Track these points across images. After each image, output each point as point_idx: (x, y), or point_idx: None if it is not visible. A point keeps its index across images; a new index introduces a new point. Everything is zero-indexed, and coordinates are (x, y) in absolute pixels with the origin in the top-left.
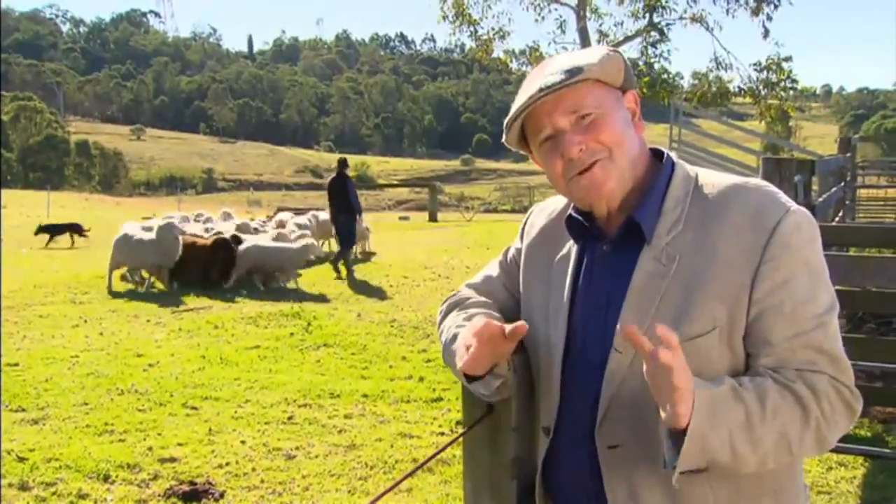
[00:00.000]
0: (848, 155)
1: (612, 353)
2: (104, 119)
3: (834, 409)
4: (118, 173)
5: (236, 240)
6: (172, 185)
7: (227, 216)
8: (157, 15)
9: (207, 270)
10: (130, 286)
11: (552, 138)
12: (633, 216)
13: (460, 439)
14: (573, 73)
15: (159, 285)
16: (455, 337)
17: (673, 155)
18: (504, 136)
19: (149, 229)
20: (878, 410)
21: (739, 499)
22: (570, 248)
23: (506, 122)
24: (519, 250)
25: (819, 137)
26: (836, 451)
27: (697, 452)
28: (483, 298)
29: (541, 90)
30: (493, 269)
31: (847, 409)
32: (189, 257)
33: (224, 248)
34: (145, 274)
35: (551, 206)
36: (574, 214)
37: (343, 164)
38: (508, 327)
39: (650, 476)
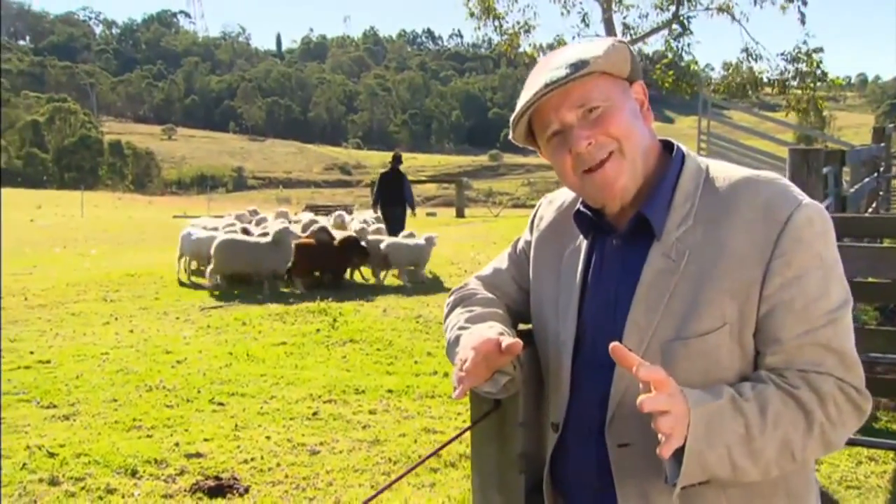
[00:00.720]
0: (882, 145)
1: None
2: (136, 119)
3: (841, 411)
4: (150, 172)
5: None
6: (203, 183)
7: (281, 214)
8: (187, 15)
9: (338, 270)
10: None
11: (560, 133)
12: (642, 211)
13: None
14: (579, 66)
15: (200, 280)
16: (458, 339)
17: (683, 147)
18: (511, 133)
19: (213, 229)
20: None
21: (752, 499)
22: (580, 242)
23: (512, 118)
24: (528, 242)
25: (855, 127)
26: (866, 445)
27: (696, 470)
28: (489, 294)
29: (546, 85)
30: (502, 261)
31: (855, 409)
32: (319, 258)
33: (356, 247)
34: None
35: (560, 197)
36: (582, 209)
37: (398, 159)
38: (504, 342)
39: (661, 476)
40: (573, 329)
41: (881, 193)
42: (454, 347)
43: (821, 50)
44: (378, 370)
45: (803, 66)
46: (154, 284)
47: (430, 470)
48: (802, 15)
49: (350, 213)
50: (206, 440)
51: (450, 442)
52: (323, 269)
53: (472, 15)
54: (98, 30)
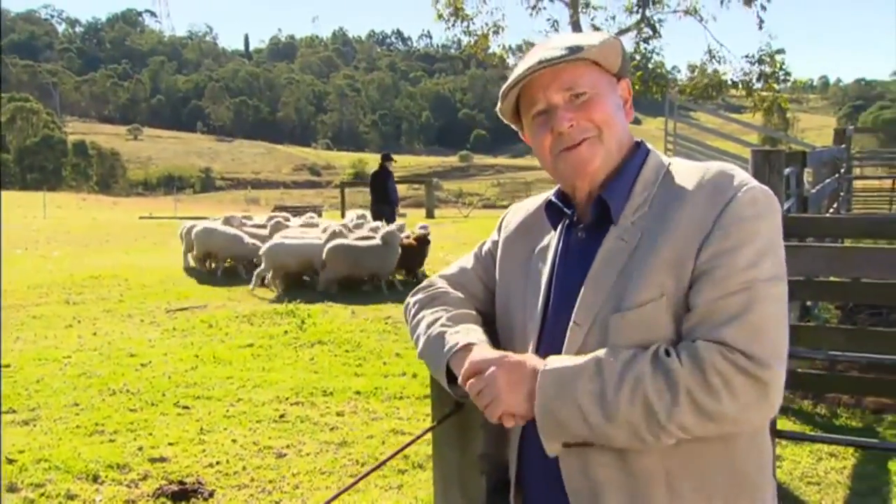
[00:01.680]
0: (843, 146)
1: (570, 327)
2: (101, 119)
3: (727, 382)
4: (115, 173)
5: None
6: (170, 184)
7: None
8: (153, 14)
9: (412, 268)
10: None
11: (545, 113)
12: (602, 196)
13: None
14: (574, 50)
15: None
16: (442, 336)
17: (650, 145)
18: (499, 105)
19: (227, 223)
20: (869, 401)
21: (690, 473)
22: (550, 240)
23: (502, 90)
24: (495, 243)
25: (817, 129)
26: (826, 441)
27: (551, 425)
28: (459, 294)
29: (541, 62)
30: (467, 260)
31: (750, 380)
32: (410, 257)
33: (426, 244)
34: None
35: (529, 203)
36: (554, 200)
37: (385, 157)
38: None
39: (604, 461)
40: (539, 319)
41: (842, 194)
42: (437, 343)
43: (783, 51)
44: (346, 372)
45: (766, 68)
46: (119, 287)
47: (398, 471)
48: (761, 20)
49: (320, 214)
50: (170, 444)
51: (410, 443)
52: (408, 268)
53: (440, 17)
54: (61, 28)
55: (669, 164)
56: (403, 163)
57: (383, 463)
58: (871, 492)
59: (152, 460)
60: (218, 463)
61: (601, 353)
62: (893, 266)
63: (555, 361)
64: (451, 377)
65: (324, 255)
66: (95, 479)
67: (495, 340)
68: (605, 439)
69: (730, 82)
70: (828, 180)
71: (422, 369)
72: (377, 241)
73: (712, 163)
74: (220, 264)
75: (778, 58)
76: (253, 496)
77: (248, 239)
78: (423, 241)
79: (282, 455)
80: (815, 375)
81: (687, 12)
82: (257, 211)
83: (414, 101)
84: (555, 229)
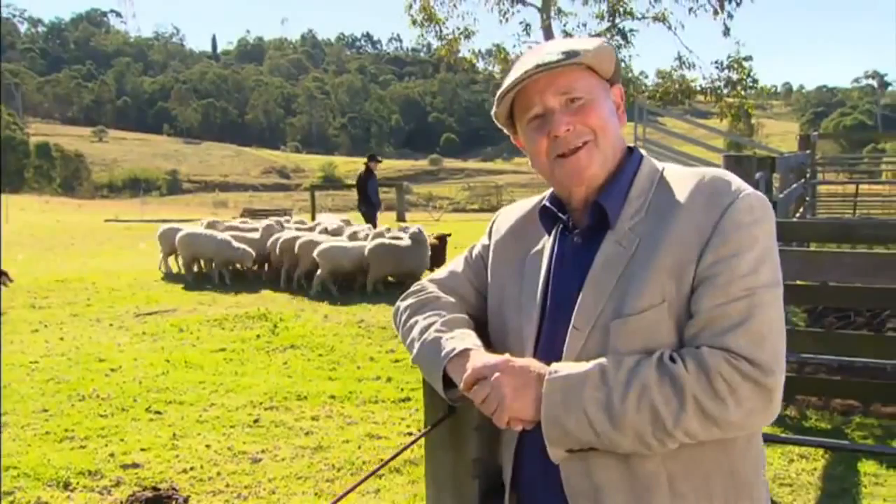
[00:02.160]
0: (808, 152)
1: (570, 331)
2: (64, 121)
3: (733, 389)
4: (80, 175)
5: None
6: (136, 186)
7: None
8: (118, 14)
9: (434, 266)
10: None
11: (540, 117)
12: (598, 201)
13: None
14: (570, 55)
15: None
16: (438, 341)
17: (643, 151)
18: (494, 109)
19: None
20: (837, 403)
21: (691, 474)
22: (544, 244)
23: (499, 93)
24: (486, 247)
25: (780, 135)
26: (797, 443)
27: (557, 433)
28: (451, 298)
29: (538, 66)
30: (458, 265)
31: (755, 386)
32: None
33: (446, 243)
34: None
35: (520, 206)
36: (548, 205)
37: (369, 158)
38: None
39: (607, 466)
40: (536, 323)
41: (808, 199)
42: (433, 348)
43: (750, 58)
44: (320, 376)
45: (734, 75)
46: (86, 290)
47: (375, 476)
48: (726, 27)
49: (290, 216)
50: (142, 450)
51: (408, 447)
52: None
53: (414, 23)
54: (23, 28)
55: (663, 169)
56: None
57: (383, 465)
58: (841, 493)
59: (125, 466)
60: (192, 469)
61: (605, 359)
62: (859, 270)
63: (560, 368)
64: (447, 382)
65: (367, 256)
66: (66, 486)
67: (487, 345)
68: (611, 445)
69: (699, 88)
70: (794, 185)
71: (396, 373)
72: (407, 241)
73: (707, 168)
74: (218, 269)
75: (746, 65)
76: (228, 502)
77: (235, 243)
78: (443, 240)
79: (257, 460)
80: (784, 378)
81: (656, 19)
82: (225, 214)
83: (384, 104)
84: (549, 234)
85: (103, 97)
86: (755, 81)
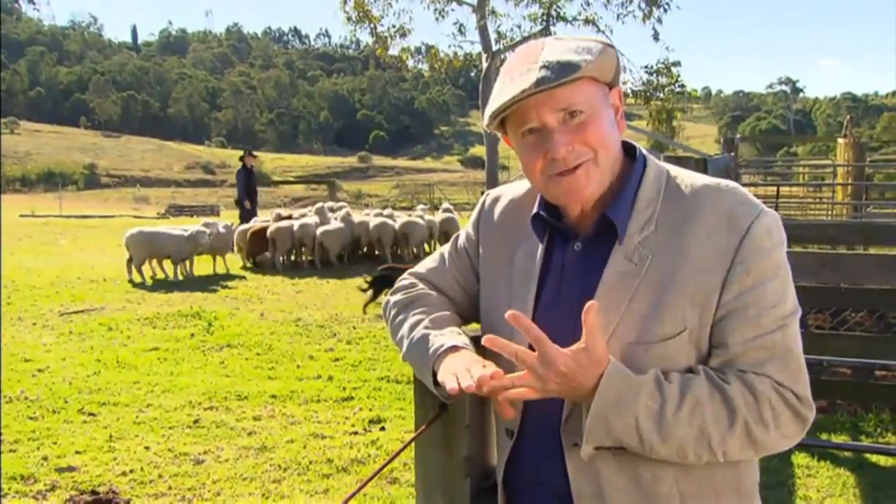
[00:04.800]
0: (732, 154)
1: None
2: None
3: (777, 415)
4: None
5: None
6: (51, 180)
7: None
8: (30, 1)
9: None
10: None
11: (536, 132)
12: (607, 214)
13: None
14: (568, 70)
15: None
16: (426, 338)
17: (644, 150)
18: (485, 122)
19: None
20: None
21: (703, 493)
22: (535, 246)
23: (493, 112)
24: (474, 242)
25: (700, 137)
26: None
27: (601, 432)
28: (438, 295)
29: (538, 84)
30: (441, 260)
31: (795, 416)
32: None
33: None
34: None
35: (507, 195)
36: (542, 213)
37: (245, 153)
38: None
39: (617, 475)
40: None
41: None
42: (421, 345)
43: (678, 63)
44: (259, 375)
45: (663, 79)
46: (5, 289)
47: (322, 476)
48: (656, 32)
49: (217, 213)
50: (77, 453)
51: (403, 448)
52: None
53: (349, 20)
54: None
55: (667, 172)
56: (301, 162)
57: (382, 468)
58: (777, 484)
59: (59, 470)
60: (132, 471)
61: (656, 369)
62: (805, 269)
63: (615, 366)
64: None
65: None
66: None
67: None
68: (649, 453)
69: (630, 92)
70: None
71: (337, 372)
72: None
73: (715, 180)
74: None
75: (674, 70)
76: None
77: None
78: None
79: (199, 461)
80: None
81: (587, 21)
82: (148, 210)
83: (312, 100)
84: (541, 241)
85: (15, 87)
86: (682, 86)
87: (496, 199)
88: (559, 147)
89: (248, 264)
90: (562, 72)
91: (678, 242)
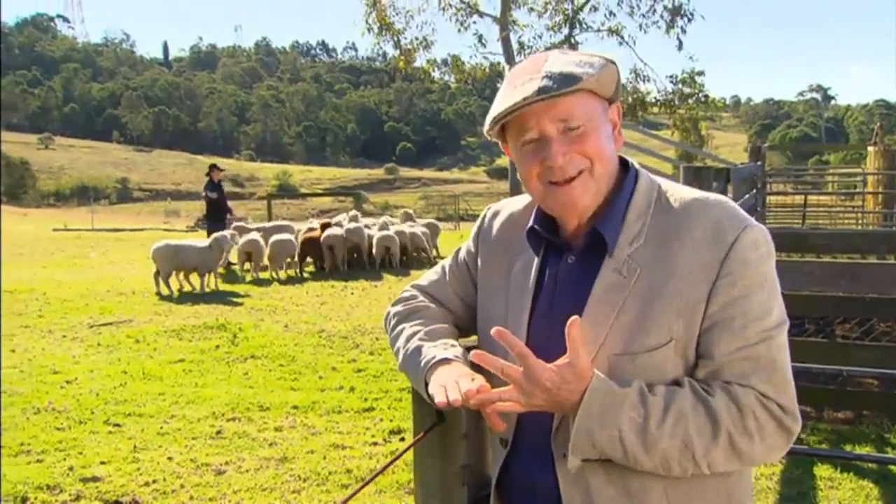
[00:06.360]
0: (758, 163)
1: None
2: (9, 127)
3: (761, 427)
4: (25, 183)
5: None
6: (84, 195)
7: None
8: (65, 20)
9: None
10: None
11: (535, 142)
12: (596, 227)
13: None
14: (569, 81)
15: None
16: (419, 350)
17: (637, 164)
18: (485, 128)
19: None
20: None
21: (692, 502)
22: (531, 259)
23: (494, 117)
24: (474, 255)
25: (730, 146)
26: None
27: (586, 445)
28: (438, 308)
29: (540, 93)
30: (442, 273)
31: (780, 428)
32: None
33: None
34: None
35: (507, 210)
36: (537, 227)
37: (210, 168)
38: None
39: (606, 486)
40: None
41: (758, 209)
42: (414, 356)
43: (703, 73)
44: (282, 386)
45: (687, 89)
46: (36, 301)
47: (341, 486)
48: (680, 42)
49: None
50: (102, 463)
51: (402, 454)
52: None
53: (369, 30)
54: None
55: (659, 186)
56: (329, 174)
57: (381, 471)
58: (799, 496)
59: (84, 480)
60: (154, 482)
61: (640, 382)
62: (815, 279)
63: (599, 380)
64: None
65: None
66: (24, 501)
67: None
68: (633, 464)
69: (653, 101)
70: (746, 196)
71: (359, 383)
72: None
73: (704, 193)
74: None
75: (699, 79)
76: None
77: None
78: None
79: (221, 472)
80: None
81: (611, 31)
82: (178, 223)
83: (339, 113)
84: (537, 254)
85: (49, 103)
86: (706, 96)
87: (496, 213)
88: (556, 156)
89: (297, 273)
90: (563, 82)
91: (666, 255)
